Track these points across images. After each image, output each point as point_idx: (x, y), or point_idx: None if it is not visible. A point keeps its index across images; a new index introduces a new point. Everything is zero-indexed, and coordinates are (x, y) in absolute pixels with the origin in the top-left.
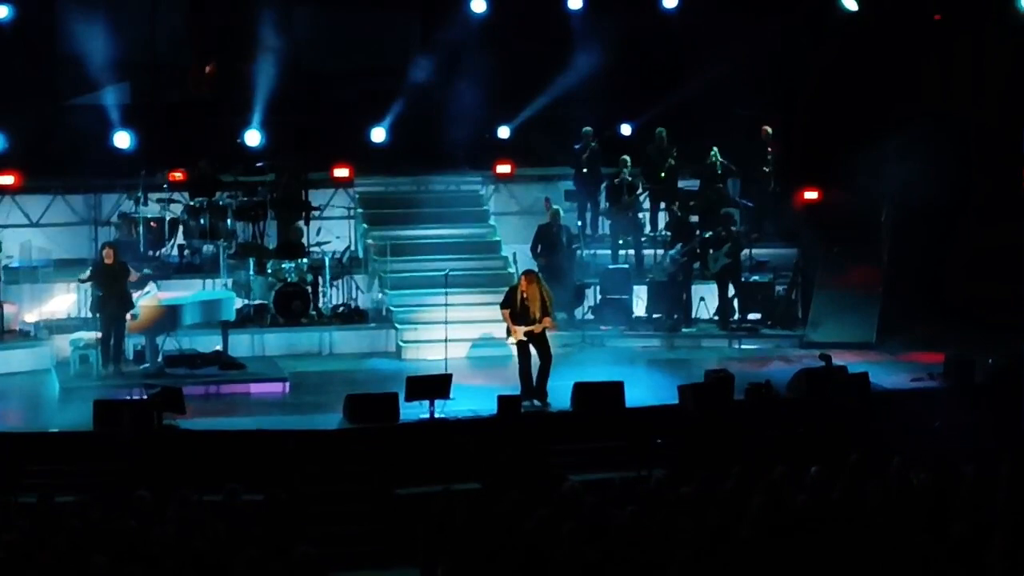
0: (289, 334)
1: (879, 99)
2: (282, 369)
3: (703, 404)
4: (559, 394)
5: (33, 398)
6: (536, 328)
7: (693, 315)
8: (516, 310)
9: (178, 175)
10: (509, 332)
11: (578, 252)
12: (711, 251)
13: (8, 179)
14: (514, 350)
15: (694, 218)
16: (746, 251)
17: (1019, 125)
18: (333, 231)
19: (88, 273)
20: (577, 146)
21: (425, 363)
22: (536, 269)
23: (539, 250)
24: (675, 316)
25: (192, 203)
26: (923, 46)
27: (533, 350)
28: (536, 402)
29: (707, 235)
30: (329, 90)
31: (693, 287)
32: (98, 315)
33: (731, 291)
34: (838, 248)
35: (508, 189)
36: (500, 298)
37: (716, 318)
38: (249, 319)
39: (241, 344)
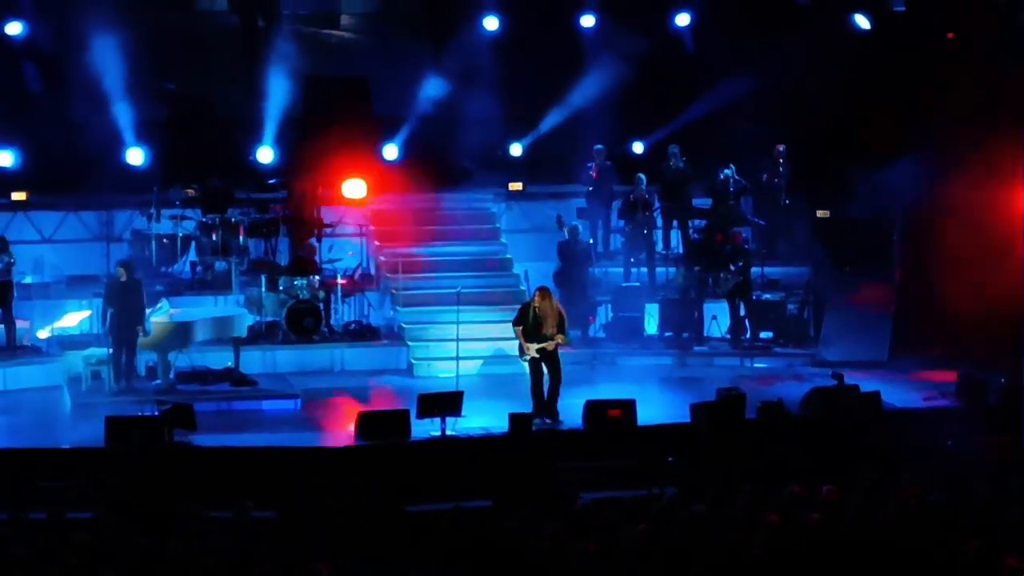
0: (301, 351)
1: (892, 117)
2: (294, 386)
3: (715, 423)
4: (571, 412)
5: (45, 414)
6: (549, 345)
7: (705, 333)
8: (529, 327)
9: (191, 191)
10: (522, 349)
11: (592, 270)
12: (721, 272)
13: (21, 195)
14: (527, 367)
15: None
16: (758, 269)
17: None
18: (345, 248)
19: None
20: (589, 164)
21: (437, 380)
22: (552, 285)
23: (560, 268)
24: (686, 334)
25: (204, 220)
26: (935, 65)
27: (544, 367)
28: (547, 420)
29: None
30: (340, 107)
31: (705, 305)
32: (110, 331)
33: (742, 310)
34: (850, 266)
35: (520, 206)
36: (512, 315)
37: (728, 336)
38: (261, 336)
39: (253, 361)
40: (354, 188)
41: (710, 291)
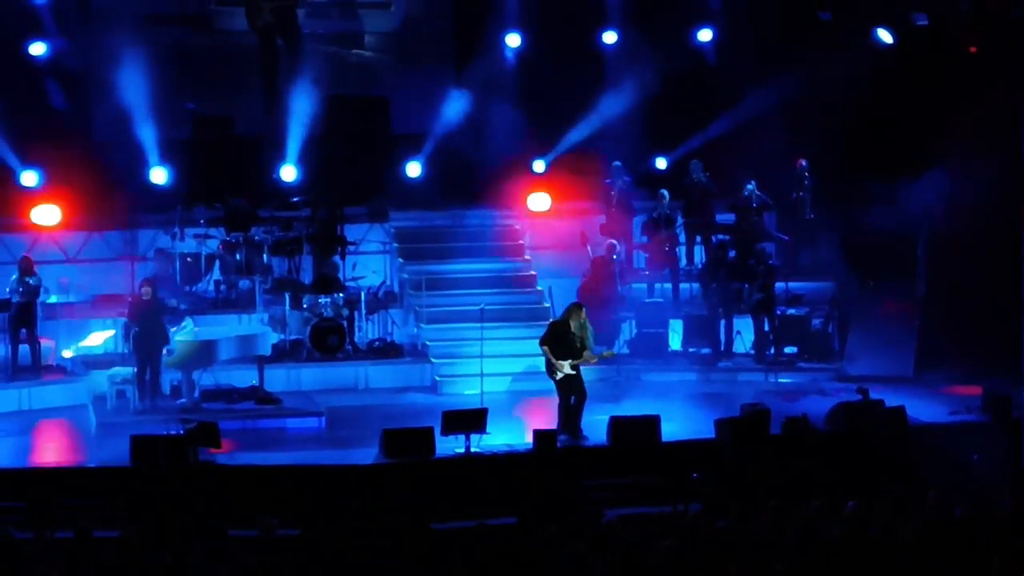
0: (325, 369)
1: (916, 131)
2: (318, 404)
3: (740, 438)
4: (595, 429)
5: (70, 433)
6: (592, 360)
7: (732, 349)
8: (563, 344)
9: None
10: (551, 368)
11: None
12: (746, 285)
13: (48, 217)
14: (555, 385)
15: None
16: (782, 284)
17: None
18: (369, 266)
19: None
20: (608, 181)
21: (461, 397)
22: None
23: (587, 283)
24: (707, 350)
25: (228, 238)
26: (959, 78)
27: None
28: (571, 438)
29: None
30: (365, 125)
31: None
32: (134, 350)
33: (766, 326)
34: (874, 281)
35: (544, 223)
36: (536, 332)
37: (752, 352)
38: (285, 354)
39: (277, 379)
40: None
41: (735, 307)
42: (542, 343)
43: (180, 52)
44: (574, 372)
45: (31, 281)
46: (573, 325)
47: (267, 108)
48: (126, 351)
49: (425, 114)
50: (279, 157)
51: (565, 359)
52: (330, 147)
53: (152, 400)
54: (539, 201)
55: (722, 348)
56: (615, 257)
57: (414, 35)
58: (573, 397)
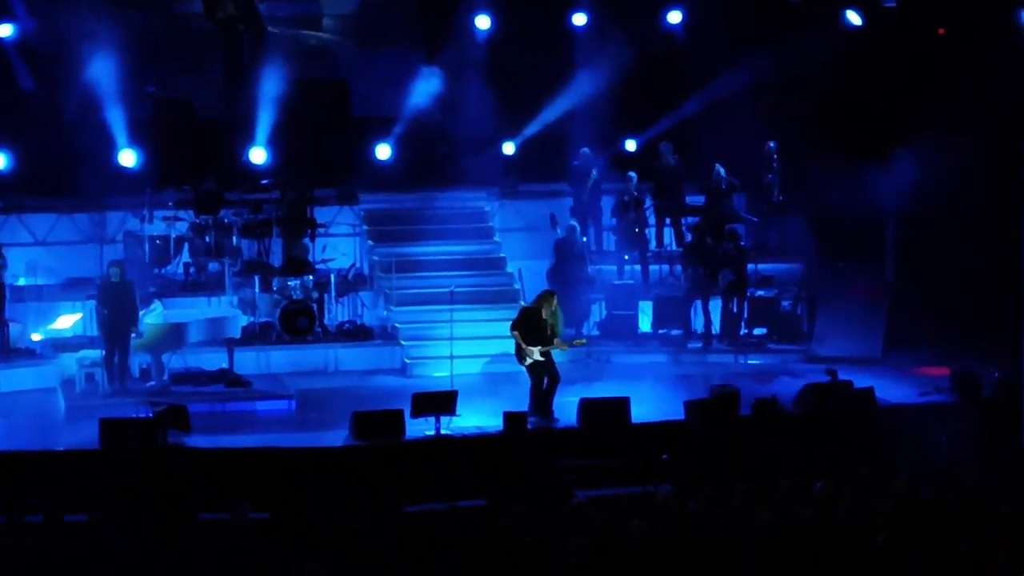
0: (295, 351)
1: (884, 114)
2: (288, 386)
3: (709, 420)
4: (565, 410)
5: (39, 417)
6: (563, 347)
7: (700, 331)
8: (534, 331)
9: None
10: (521, 354)
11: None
12: (726, 270)
13: (17, 200)
14: (527, 370)
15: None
16: (752, 266)
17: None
18: (338, 248)
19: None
20: (575, 163)
21: (431, 380)
22: (546, 284)
23: (555, 266)
24: (682, 332)
25: (197, 221)
26: (927, 60)
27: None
28: (542, 419)
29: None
30: (330, 108)
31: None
32: (102, 332)
33: (735, 307)
34: (843, 263)
35: (513, 205)
36: (505, 314)
37: (717, 334)
38: (255, 336)
39: (247, 362)
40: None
41: (708, 289)
42: (513, 328)
43: (144, 34)
44: (543, 359)
45: None
46: (544, 312)
47: (230, 93)
48: (95, 334)
49: (394, 96)
50: (246, 140)
51: (535, 345)
52: (297, 130)
53: (121, 383)
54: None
55: (701, 331)
56: (577, 240)
57: (379, 16)
58: (546, 379)
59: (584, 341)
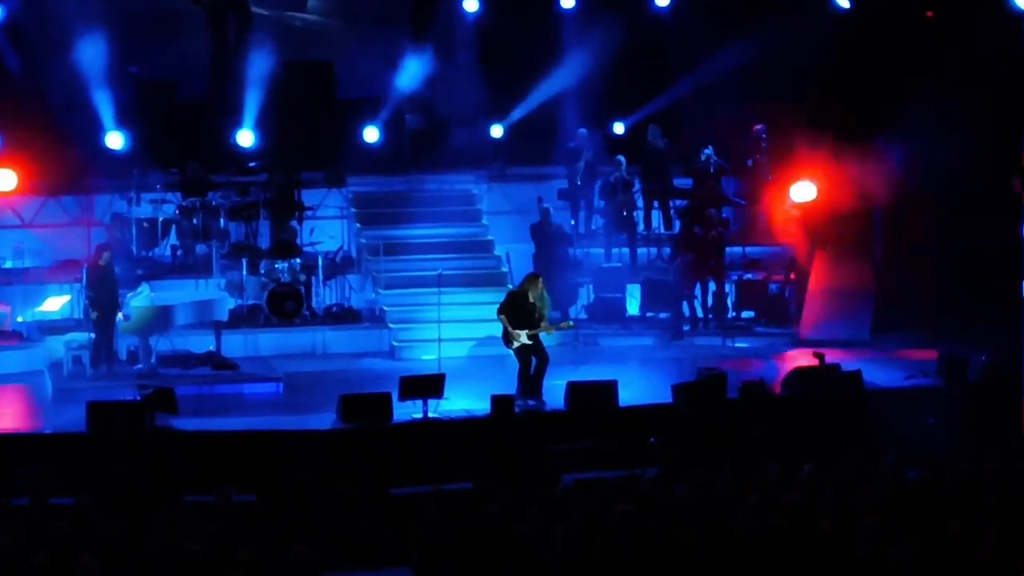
0: (282, 334)
1: (872, 97)
2: (275, 369)
3: (697, 403)
4: (553, 394)
5: (26, 399)
6: (549, 330)
7: (687, 314)
8: (521, 314)
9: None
10: (508, 337)
11: (572, 251)
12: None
13: (4, 183)
14: (515, 353)
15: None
16: (740, 249)
17: (1013, 122)
18: (326, 231)
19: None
20: (572, 144)
21: (419, 363)
22: (531, 267)
23: (537, 250)
24: (674, 318)
25: (185, 203)
26: (915, 44)
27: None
28: (531, 401)
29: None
30: (317, 90)
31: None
32: (91, 315)
33: (713, 288)
34: (831, 246)
35: (501, 188)
36: (493, 297)
37: (709, 317)
38: (242, 319)
39: (234, 344)
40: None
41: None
42: (500, 312)
43: (130, 16)
44: (531, 342)
45: None
46: (531, 295)
47: (216, 75)
48: (82, 317)
49: (381, 79)
50: (233, 122)
51: (522, 329)
52: (285, 112)
53: (108, 366)
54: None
55: (698, 316)
56: (552, 222)
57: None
58: (535, 360)
59: (571, 324)
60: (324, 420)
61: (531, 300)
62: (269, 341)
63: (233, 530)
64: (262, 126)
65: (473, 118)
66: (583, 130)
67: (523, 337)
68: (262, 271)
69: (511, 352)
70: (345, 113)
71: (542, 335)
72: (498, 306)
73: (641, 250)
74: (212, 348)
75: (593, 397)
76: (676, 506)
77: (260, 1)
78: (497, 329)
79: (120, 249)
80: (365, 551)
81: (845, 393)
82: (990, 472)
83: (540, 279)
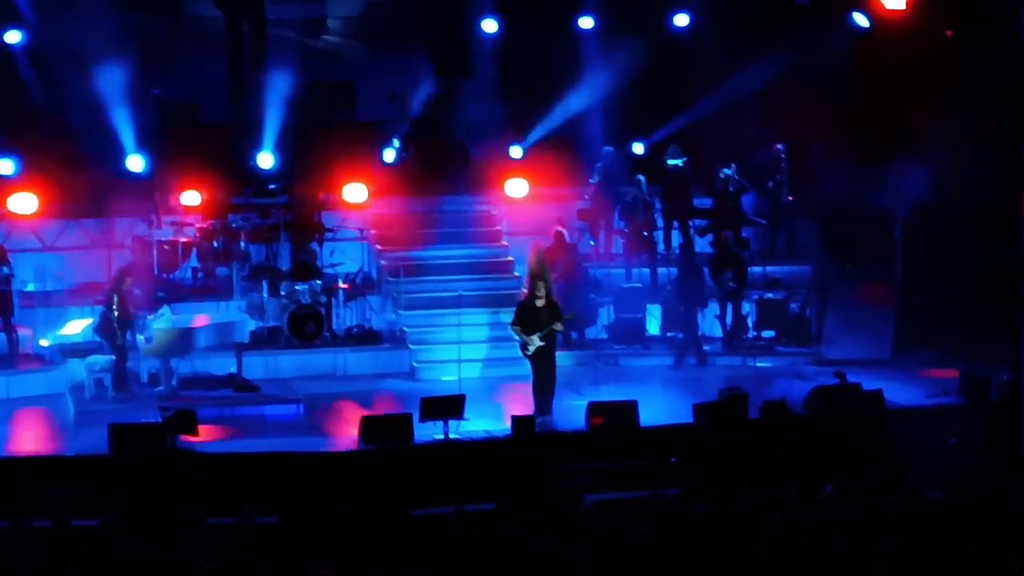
0: (303, 356)
1: (893, 116)
2: (296, 391)
3: (718, 423)
4: (573, 414)
5: (48, 422)
6: (558, 327)
7: (708, 334)
8: (531, 320)
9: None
10: (524, 345)
11: (591, 271)
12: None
13: (25, 206)
14: (530, 364)
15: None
16: (760, 268)
17: None
18: (346, 252)
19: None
20: (599, 164)
21: (439, 383)
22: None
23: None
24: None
25: (205, 226)
26: (935, 63)
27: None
28: (539, 418)
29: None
30: (341, 111)
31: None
32: (117, 337)
33: (730, 311)
34: (852, 265)
35: (521, 209)
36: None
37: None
38: (263, 341)
39: (255, 366)
40: (355, 192)
41: (712, 294)
42: (512, 325)
43: (152, 38)
44: (544, 343)
45: (4, 270)
46: (537, 287)
47: (236, 96)
48: (103, 340)
49: (402, 100)
50: (254, 144)
51: (534, 333)
52: (305, 133)
53: (130, 388)
54: (516, 187)
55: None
56: (592, 243)
57: (386, 19)
58: (545, 373)
59: (572, 314)
60: (345, 442)
61: (537, 293)
62: (290, 363)
63: (254, 551)
64: (282, 147)
65: (492, 138)
66: (609, 148)
67: (536, 340)
68: (283, 293)
69: (530, 374)
70: (365, 134)
71: (561, 354)
72: (511, 320)
73: (661, 270)
74: (233, 370)
75: (614, 417)
76: (697, 526)
77: (281, 23)
78: (517, 349)
79: (141, 272)
80: (386, 572)
81: (867, 412)
82: (1012, 491)
83: (536, 253)
